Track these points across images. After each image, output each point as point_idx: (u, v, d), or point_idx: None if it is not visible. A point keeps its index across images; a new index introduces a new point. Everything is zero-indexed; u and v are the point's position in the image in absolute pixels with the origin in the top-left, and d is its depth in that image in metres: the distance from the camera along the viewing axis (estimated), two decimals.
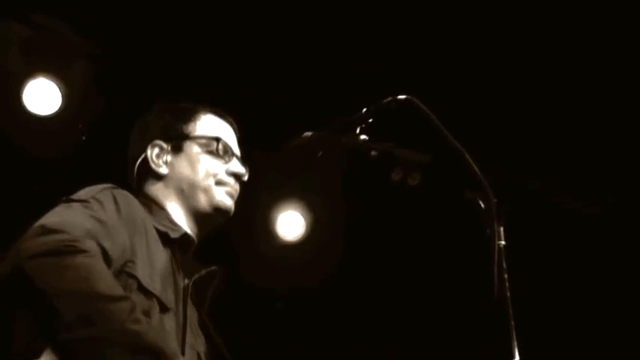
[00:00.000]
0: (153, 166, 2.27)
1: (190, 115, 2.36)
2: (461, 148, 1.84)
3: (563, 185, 4.62)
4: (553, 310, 4.87)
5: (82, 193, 1.97)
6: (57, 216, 1.84)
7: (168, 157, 2.28)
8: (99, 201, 1.94)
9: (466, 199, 1.83)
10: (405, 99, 1.98)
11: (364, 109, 2.07)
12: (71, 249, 1.72)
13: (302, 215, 5.28)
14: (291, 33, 4.34)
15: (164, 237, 2.11)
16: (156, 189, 2.26)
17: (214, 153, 2.31)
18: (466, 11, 4.17)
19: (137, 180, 2.27)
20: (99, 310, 1.66)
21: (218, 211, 2.27)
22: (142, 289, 1.92)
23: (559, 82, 4.36)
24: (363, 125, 2.07)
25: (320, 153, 2.25)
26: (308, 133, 2.28)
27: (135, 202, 2.08)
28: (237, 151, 2.39)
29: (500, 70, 4.34)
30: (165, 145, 2.29)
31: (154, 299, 1.94)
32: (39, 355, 1.69)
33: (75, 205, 1.91)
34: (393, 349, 5.25)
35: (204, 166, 2.28)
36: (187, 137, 2.31)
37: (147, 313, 1.86)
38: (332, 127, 2.15)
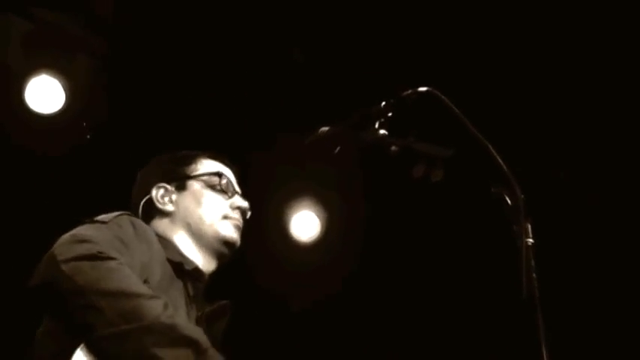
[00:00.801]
0: (158, 205, 2.46)
1: (191, 159, 2.56)
2: (485, 141, 1.84)
3: (594, 182, 4.61)
4: (584, 311, 4.86)
5: (102, 217, 2.17)
6: (84, 230, 2.06)
7: (173, 196, 2.48)
8: (118, 224, 2.14)
9: (492, 195, 1.84)
10: (426, 91, 1.98)
11: (383, 102, 2.07)
12: (103, 255, 1.95)
13: (317, 215, 5.28)
14: (307, 26, 4.35)
15: (178, 268, 2.28)
16: (163, 225, 2.44)
17: (217, 189, 2.50)
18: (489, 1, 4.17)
19: (143, 220, 2.39)
20: (137, 306, 1.88)
21: (225, 243, 2.44)
22: None
23: (585, 72, 4.35)
24: (382, 119, 2.08)
25: (337, 149, 2.27)
26: (324, 128, 2.29)
27: (151, 231, 2.27)
28: (238, 188, 2.58)
29: (525, 59, 4.34)
30: (169, 187, 2.49)
31: None
32: (71, 355, 1.89)
33: (97, 224, 2.11)
34: (415, 353, 5.25)
35: (209, 200, 2.48)
36: (190, 176, 2.51)
37: None
38: (349, 121, 2.16)
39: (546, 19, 4.20)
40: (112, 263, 1.94)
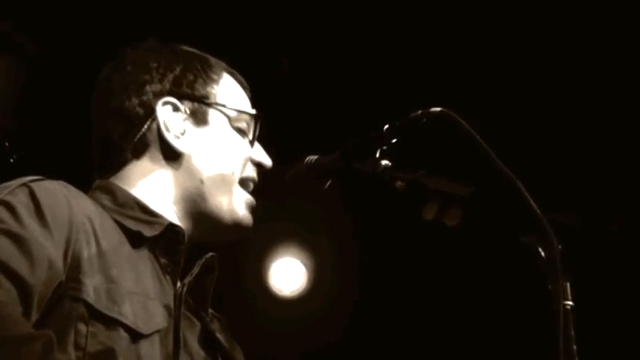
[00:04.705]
0: (167, 135, 2.12)
1: (210, 71, 2.23)
2: (513, 177, 1.85)
3: None
4: None
5: None
6: None
7: (186, 127, 2.16)
8: (9, 205, 1.79)
9: (521, 245, 1.84)
10: (440, 112, 1.99)
11: (386, 126, 2.09)
12: None
13: (302, 263, 5.30)
14: (296, 32, 4.39)
15: (136, 236, 2.01)
16: (145, 172, 2.13)
17: (242, 133, 2.24)
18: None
19: (132, 150, 2.13)
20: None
21: (237, 226, 2.24)
22: (98, 316, 1.81)
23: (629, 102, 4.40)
24: (385, 147, 2.08)
25: (328, 183, 2.27)
26: (312, 157, 2.31)
27: (73, 196, 1.93)
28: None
29: (561, 82, 4.37)
30: (181, 106, 2.16)
31: (119, 327, 1.84)
32: None
33: None
34: None
35: (235, 152, 2.21)
36: (213, 104, 2.20)
37: (110, 352, 1.79)
38: (343, 148, 2.17)
39: (590, 39, 4.25)
40: None
